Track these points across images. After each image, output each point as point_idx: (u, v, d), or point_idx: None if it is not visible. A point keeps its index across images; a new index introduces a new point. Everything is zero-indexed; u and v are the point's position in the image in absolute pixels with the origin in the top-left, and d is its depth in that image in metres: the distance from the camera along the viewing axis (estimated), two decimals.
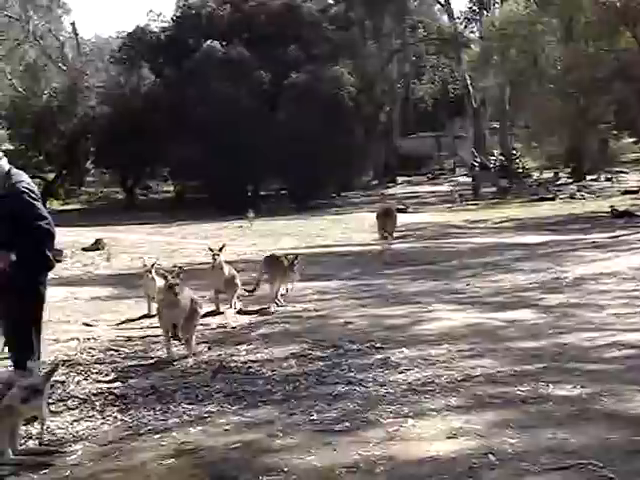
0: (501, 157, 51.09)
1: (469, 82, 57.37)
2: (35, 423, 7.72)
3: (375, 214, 18.20)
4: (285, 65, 43.43)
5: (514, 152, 51.55)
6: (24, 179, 8.31)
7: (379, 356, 9.95)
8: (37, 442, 7.49)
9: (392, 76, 59.29)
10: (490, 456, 6.53)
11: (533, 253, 19.83)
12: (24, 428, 7.54)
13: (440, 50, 67.17)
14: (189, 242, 25.29)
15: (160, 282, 13.48)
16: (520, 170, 48.98)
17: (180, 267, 11.39)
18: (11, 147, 37.20)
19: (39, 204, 8.29)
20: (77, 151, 47.83)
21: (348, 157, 43.57)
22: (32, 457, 7.14)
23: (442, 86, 67.56)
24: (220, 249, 14.14)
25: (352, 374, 9.16)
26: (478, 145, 56.56)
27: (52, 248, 8.37)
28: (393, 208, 17.53)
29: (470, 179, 47.18)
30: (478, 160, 52.39)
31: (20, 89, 51.89)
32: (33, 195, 8.24)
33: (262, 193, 46.99)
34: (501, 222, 29.46)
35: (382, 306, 13.44)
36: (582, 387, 8.23)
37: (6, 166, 8.30)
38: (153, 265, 13.99)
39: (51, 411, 7.94)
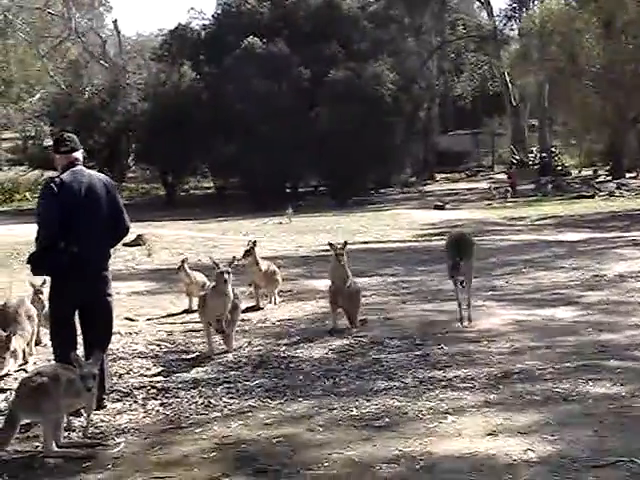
0: (540, 154, 50.88)
1: (508, 79, 57.12)
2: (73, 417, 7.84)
3: (445, 243, 12.71)
4: (325, 62, 43.47)
5: (553, 149, 51.34)
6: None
7: (418, 352, 9.99)
8: (81, 435, 7.59)
9: (431, 73, 59.13)
10: (530, 453, 6.54)
11: (573, 250, 19.76)
12: (67, 420, 7.65)
13: (479, 47, 66.88)
14: (229, 238, 25.36)
15: (199, 277, 13.60)
16: (559, 167, 48.77)
17: (234, 257, 11.39)
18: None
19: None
20: (118, 147, 48.13)
21: (387, 154, 43.53)
22: (75, 450, 7.23)
23: (481, 83, 67.21)
24: (253, 245, 14.14)
25: (392, 370, 9.21)
26: (517, 142, 56.34)
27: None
28: (466, 235, 13.14)
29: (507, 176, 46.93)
30: (517, 157, 52.23)
31: (62, 86, 52.25)
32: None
33: (301, 189, 47.04)
34: (540, 219, 29.33)
35: (422, 303, 13.47)
36: (622, 385, 8.22)
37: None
38: (184, 261, 14.15)
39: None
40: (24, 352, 9.90)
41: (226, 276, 10.57)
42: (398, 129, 44.60)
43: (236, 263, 11.17)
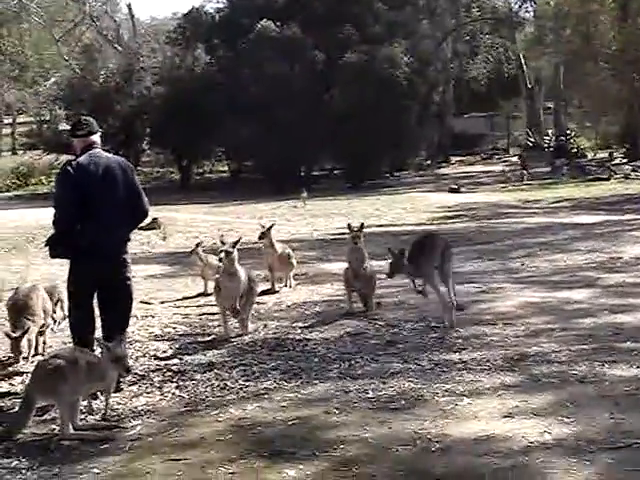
0: (556, 137, 50.70)
1: (523, 62, 56.91)
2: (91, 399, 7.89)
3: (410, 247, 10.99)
4: (339, 45, 43.27)
5: (569, 132, 51.15)
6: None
7: (434, 335, 10.01)
8: (99, 417, 7.63)
9: (446, 56, 58.84)
10: (546, 435, 6.56)
11: (588, 233, 19.69)
12: (84, 403, 7.69)
13: (494, 30, 66.56)
14: (244, 222, 25.37)
15: (213, 260, 13.62)
16: (575, 150, 48.57)
17: (240, 237, 11.38)
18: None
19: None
20: (133, 131, 48.04)
21: (401, 137, 43.34)
22: (92, 432, 7.27)
23: (496, 66, 66.76)
24: (269, 228, 14.20)
25: (407, 352, 9.23)
26: (532, 125, 56.16)
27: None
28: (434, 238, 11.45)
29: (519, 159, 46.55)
30: (532, 140, 52.06)
31: (77, 70, 52.25)
32: None
33: (315, 173, 46.93)
34: (555, 202, 29.24)
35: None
36: (638, 367, 8.23)
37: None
38: (198, 245, 14.23)
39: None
40: (37, 339, 9.92)
41: (222, 255, 10.63)
42: (413, 112, 44.35)
43: (241, 244, 11.16)
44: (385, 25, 45.42)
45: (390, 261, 10.69)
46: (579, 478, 5.81)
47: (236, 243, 10.84)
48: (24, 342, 9.51)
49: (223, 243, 10.93)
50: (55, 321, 11.03)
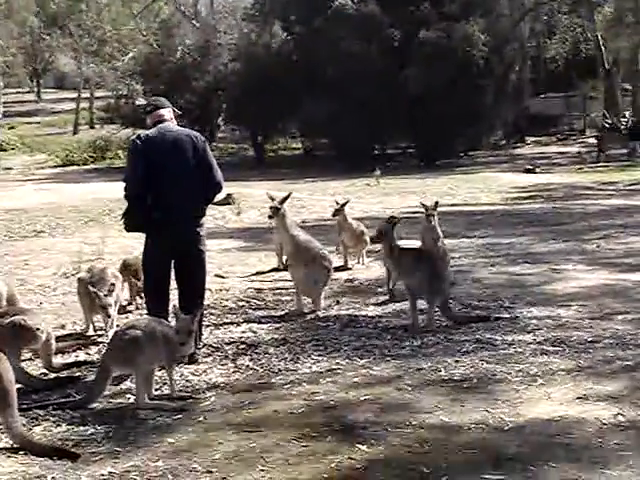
0: (632, 119, 50.03)
1: (601, 42, 56.10)
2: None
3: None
4: (416, 23, 43.01)
5: None
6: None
7: (507, 315, 9.94)
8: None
9: (523, 35, 58.21)
10: (620, 417, 6.51)
11: None
12: (159, 374, 7.77)
13: (572, 9, 65.68)
14: (317, 199, 25.43)
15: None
16: None
17: (290, 192, 11.36)
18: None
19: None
20: (209, 107, 48.35)
21: (477, 116, 43.08)
22: (167, 402, 7.35)
23: (573, 46, 65.94)
24: (343, 204, 14.22)
25: (480, 332, 9.18)
26: (609, 106, 55.41)
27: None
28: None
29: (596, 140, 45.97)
30: (609, 121, 51.38)
31: (155, 45, 52.61)
32: None
33: (389, 151, 46.83)
34: (631, 184, 28.87)
35: (511, 266, 13.37)
36: None
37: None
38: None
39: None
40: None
41: (270, 212, 10.78)
42: (489, 91, 44.07)
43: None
44: (462, 3, 45.08)
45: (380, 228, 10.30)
46: None
47: (285, 199, 10.86)
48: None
49: (272, 199, 10.94)
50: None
